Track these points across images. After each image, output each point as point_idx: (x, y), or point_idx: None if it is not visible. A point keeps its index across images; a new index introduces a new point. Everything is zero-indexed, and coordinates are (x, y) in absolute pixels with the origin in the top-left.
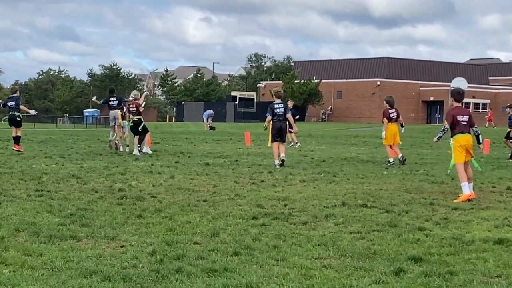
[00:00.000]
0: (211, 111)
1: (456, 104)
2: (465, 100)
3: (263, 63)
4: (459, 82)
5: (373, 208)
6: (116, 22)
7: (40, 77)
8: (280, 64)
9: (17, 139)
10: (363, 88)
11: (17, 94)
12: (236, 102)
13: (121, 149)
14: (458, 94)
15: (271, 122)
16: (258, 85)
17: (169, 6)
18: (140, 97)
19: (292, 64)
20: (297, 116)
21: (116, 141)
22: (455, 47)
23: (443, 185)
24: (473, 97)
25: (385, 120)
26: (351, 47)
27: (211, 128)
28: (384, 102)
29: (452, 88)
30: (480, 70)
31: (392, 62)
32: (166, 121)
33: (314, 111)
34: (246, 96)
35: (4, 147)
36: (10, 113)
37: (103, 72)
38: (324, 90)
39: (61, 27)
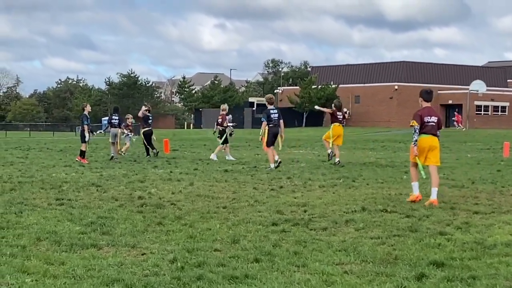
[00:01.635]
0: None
1: (425, 104)
2: (484, 103)
3: (280, 69)
4: (478, 85)
5: (394, 213)
6: (132, 30)
7: (59, 86)
8: (297, 70)
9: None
10: (381, 93)
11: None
12: (253, 108)
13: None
14: (426, 94)
15: (267, 128)
16: (275, 91)
17: (183, 12)
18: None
19: (309, 69)
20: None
21: (113, 154)
22: (472, 49)
23: (464, 189)
24: (492, 100)
25: (332, 120)
26: (366, 51)
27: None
28: (332, 105)
29: (422, 89)
30: (498, 73)
31: (409, 66)
32: (184, 128)
33: None
34: (264, 102)
35: (24, 156)
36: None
37: (120, 80)
38: (342, 95)
39: (77, 36)
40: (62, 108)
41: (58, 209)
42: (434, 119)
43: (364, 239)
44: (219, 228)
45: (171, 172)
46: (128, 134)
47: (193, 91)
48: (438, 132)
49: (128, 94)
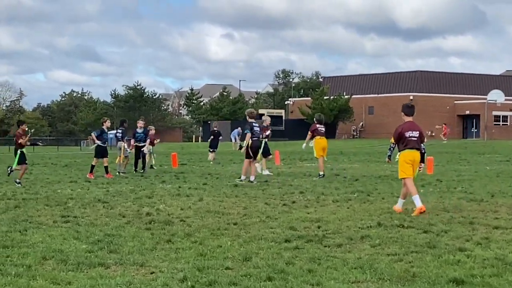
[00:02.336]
0: (239, 129)
1: (406, 119)
2: (503, 113)
3: (290, 79)
4: (496, 95)
5: (411, 228)
6: (137, 41)
7: (63, 99)
8: (308, 80)
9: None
10: (395, 103)
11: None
12: None
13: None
14: (407, 108)
15: (250, 140)
16: (286, 102)
17: (189, 23)
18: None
19: (321, 79)
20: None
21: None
22: (489, 58)
23: (483, 203)
24: (511, 110)
25: (309, 134)
26: (379, 61)
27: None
28: (314, 119)
29: (403, 103)
30: None
31: (424, 75)
32: (192, 141)
33: (345, 128)
34: (274, 114)
35: (28, 172)
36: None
37: (127, 92)
38: (355, 106)
39: (81, 47)
40: (66, 122)
41: (64, 226)
42: (415, 133)
43: (380, 256)
44: (230, 245)
45: (179, 187)
46: (149, 148)
47: (201, 103)
48: (421, 145)
49: (135, 107)
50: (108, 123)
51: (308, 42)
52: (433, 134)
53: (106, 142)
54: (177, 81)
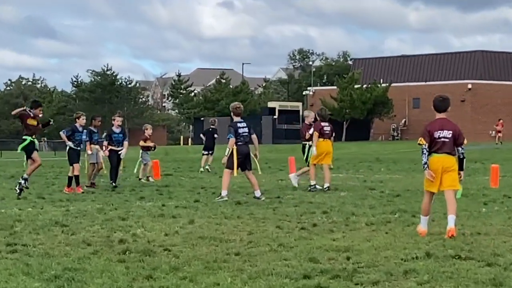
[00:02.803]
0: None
1: (437, 116)
2: None
3: (310, 62)
4: None
5: (470, 260)
6: (105, 11)
7: (8, 88)
8: (333, 64)
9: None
10: (448, 93)
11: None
12: (275, 117)
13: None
14: (439, 102)
15: (234, 146)
16: (304, 93)
17: None
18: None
19: (351, 62)
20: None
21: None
22: None
23: None
24: None
25: (316, 134)
26: (427, 38)
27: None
28: (316, 114)
29: (436, 96)
30: None
31: (487, 57)
32: (179, 144)
33: (383, 126)
34: (289, 108)
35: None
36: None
37: (92, 79)
38: (395, 97)
39: (30, 20)
40: (12, 119)
41: (10, 258)
42: (447, 133)
43: None
44: (230, 282)
45: (163, 205)
46: (147, 152)
47: (192, 94)
48: (457, 149)
49: (103, 98)
50: (82, 120)
51: (332, 12)
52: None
53: (80, 144)
54: (159, 64)
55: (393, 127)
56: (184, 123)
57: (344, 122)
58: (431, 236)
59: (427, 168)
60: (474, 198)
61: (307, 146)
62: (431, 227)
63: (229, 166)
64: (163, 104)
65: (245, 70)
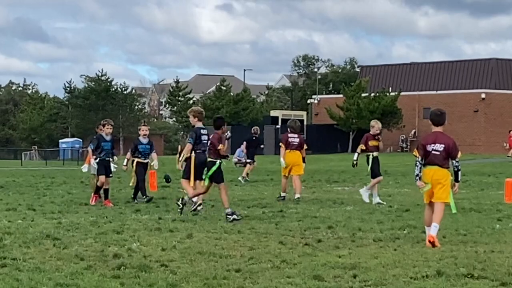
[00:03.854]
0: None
1: (434, 129)
2: None
3: (315, 69)
4: None
5: (483, 279)
6: (98, 14)
7: None
8: (339, 71)
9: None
10: (461, 104)
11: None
12: (277, 126)
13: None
14: (435, 115)
15: (193, 153)
16: (309, 101)
17: None
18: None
19: (358, 70)
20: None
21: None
22: None
23: None
24: None
25: (282, 146)
26: (437, 44)
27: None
28: (287, 126)
29: (432, 109)
30: None
31: (502, 65)
32: (177, 153)
33: (391, 137)
34: (292, 117)
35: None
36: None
37: (86, 85)
38: (405, 106)
39: (20, 22)
40: (2, 126)
41: None
42: (439, 146)
43: None
44: None
45: (160, 218)
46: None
47: (191, 101)
48: (452, 162)
49: (97, 105)
50: (109, 128)
51: (337, 17)
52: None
53: (109, 154)
54: (155, 70)
55: (402, 138)
56: (182, 132)
57: (351, 133)
58: (442, 253)
59: (417, 180)
60: (488, 213)
61: (370, 157)
62: (442, 243)
63: (187, 175)
64: (160, 112)
65: (247, 77)
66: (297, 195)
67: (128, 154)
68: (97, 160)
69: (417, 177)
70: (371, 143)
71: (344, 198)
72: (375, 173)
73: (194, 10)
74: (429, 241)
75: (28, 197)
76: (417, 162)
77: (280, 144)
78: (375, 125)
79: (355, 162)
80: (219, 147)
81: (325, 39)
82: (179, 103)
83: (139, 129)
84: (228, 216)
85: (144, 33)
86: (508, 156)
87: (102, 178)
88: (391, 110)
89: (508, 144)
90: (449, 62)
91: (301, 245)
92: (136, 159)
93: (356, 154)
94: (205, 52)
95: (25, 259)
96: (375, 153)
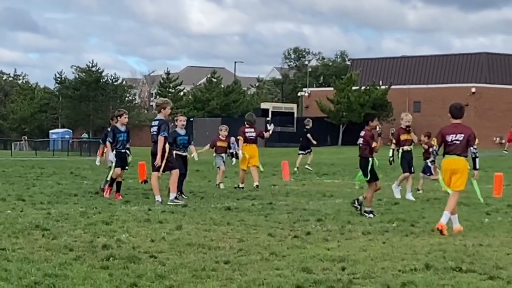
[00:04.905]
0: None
1: (453, 121)
2: None
3: (306, 62)
4: None
5: (471, 272)
6: (88, 5)
7: None
8: (330, 64)
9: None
10: (451, 97)
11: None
12: (268, 118)
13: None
14: (456, 109)
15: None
16: (299, 94)
17: None
18: None
19: (348, 63)
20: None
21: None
22: None
23: None
24: None
25: (241, 139)
26: (426, 38)
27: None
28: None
29: (452, 103)
30: None
31: (492, 59)
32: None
33: (381, 131)
34: (283, 110)
35: None
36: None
37: (77, 76)
38: (395, 100)
39: (10, 12)
40: None
41: None
42: (459, 136)
43: None
44: None
45: (149, 210)
46: (221, 154)
47: (181, 93)
48: (470, 149)
49: (88, 96)
50: (124, 119)
51: (327, 10)
52: (503, 141)
53: (127, 145)
54: (145, 61)
55: (392, 131)
56: (172, 124)
57: (341, 126)
58: (430, 247)
59: (433, 164)
60: (476, 207)
61: (400, 151)
62: (430, 236)
63: (157, 169)
64: (151, 103)
65: (237, 69)
66: (255, 183)
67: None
68: (114, 153)
69: (433, 162)
70: (402, 137)
71: (334, 191)
72: (403, 168)
73: (184, 2)
74: (437, 228)
75: (18, 188)
76: (433, 151)
77: (238, 137)
78: (405, 117)
79: (391, 159)
80: (373, 145)
81: (315, 32)
82: (169, 94)
83: (176, 119)
84: (365, 213)
85: (134, 25)
86: (505, 151)
87: (117, 170)
88: (381, 104)
89: (507, 138)
90: (439, 56)
91: (290, 238)
92: (174, 152)
93: (390, 151)
94: (195, 44)
95: (14, 249)
96: (406, 147)
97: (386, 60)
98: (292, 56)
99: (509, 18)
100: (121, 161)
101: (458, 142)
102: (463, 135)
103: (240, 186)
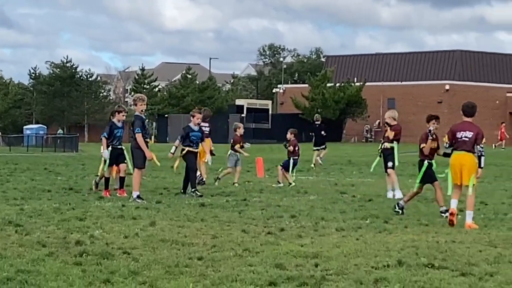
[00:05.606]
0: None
1: (464, 119)
2: None
3: (281, 59)
4: None
5: (443, 269)
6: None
7: None
8: (305, 61)
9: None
10: (425, 94)
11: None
12: (243, 115)
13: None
14: (467, 108)
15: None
16: (274, 90)
17: None
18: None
19: (324, 60)
20: (324, 134)
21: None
22: None
23: None
24: None
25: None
26: (400, 35)
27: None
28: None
29: (464, 102)
30: None
31: (466, 57)
32: None
33: (355, 128)
34: (258, 106)
35: None
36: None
37: (51, 71)
38: (369, 97)
39: None
40: None
41: None
42: (468, 133)
43: None
44: None
45: (123, 206)
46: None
47: (156, 89)
48: (476, 148)
49: (62, 91)
50: (122, 115)
51: (300, 6)
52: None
53: (121, 142)
54: (119, 57)
55: (367, 128)
56: (147, 120)
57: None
58: (403, 243)
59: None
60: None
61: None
62: (404, 233)
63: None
64: (126, 99)
65: (212, 66)
66: (203, 176)
67: (177, 142)
68: (109, 149)
69: (446, 154)
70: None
71: (308, 188)
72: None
73: None
74: (468, 226)
75: None
76: (446, 146)
77: None
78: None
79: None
80: (421, 146)
81: (289, 28)
82: (144, 90)
83: (192, 116)
84: (442, 213)
85: (107, 20)
86: (502, 148)
87: (110, 168)
88: (356, 100)
89: (499, 136)
90: (414, 53)
91: (264, 234)
92: (187, 148)
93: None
94: (170, 40)
95: None
96: (386, 144)
97: (361, 57)
98: (267, 52)
99: (482, 16)
100: (118, 157)
101: (467, 139)
102: (472, 133)
103: (202, 179)
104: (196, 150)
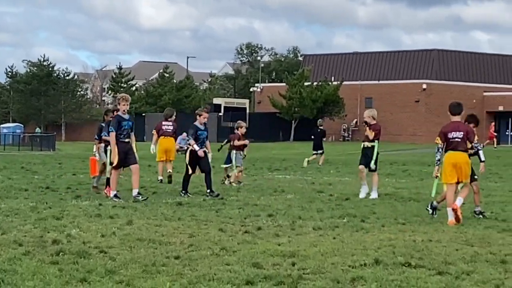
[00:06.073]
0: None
1: (453, 118)
2: None
3: (258, 58)
4: None
5: (420, 268)
6: None
7: None
8: (283, 59)
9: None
10: (402, 94)
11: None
12: (220, 114)
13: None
14: (454, 107)
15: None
16: (252, 89)
17: None
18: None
19: (301, 59)
20: (324, 139)
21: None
22: None
23: None
24: None
25: (155, 133)
26: (377, 34)
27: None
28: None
29: (451, 101)
30: None
31: (443, 56)
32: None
33: (333, 127)
34: (235, 105)
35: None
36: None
37: (28, 70)
38: (347, 96)
39: None
40: None
41: None
42: (459, 134)
43: None
44: (169, 287)
45: (100, 205)
46: (240, 152)
47: (134, 88)
48: (472, 145)
49: (39, 90)
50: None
51: (277, 5)
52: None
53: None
54: (96, 55)
55: (344, 127)
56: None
57: (293, 121)
58: (380, 242)
59: (438, 164)
60: (427, 203)
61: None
62: (381, 232)
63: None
64: (103, 98)
65: (190, 65)
66: (169, 170)
67: (192, 141)
68: (108, 148)
69: (438, 162)
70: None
71: (285, 186)
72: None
73: None
74: (453, 208)
75: None
76: (439, 149)
77: (153, 131)
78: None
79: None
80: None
81: (266, 27)
82: (121, 89)
83: (200, 115)
84: (475, 214)
85: (84, 19)
86: (494, 148)
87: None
88: (333, 99)
89: (488, 136)
90: (391, 52)
91: (241, 233)
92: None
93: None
94: (146, 39)
95: None
96: (366, 143)
97: (338, 56)
98: (245, 51)
99: (458, 15)
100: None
101: (458, 139)
102: (462, 133)
103: (159, 179)
104: (203, 149)
